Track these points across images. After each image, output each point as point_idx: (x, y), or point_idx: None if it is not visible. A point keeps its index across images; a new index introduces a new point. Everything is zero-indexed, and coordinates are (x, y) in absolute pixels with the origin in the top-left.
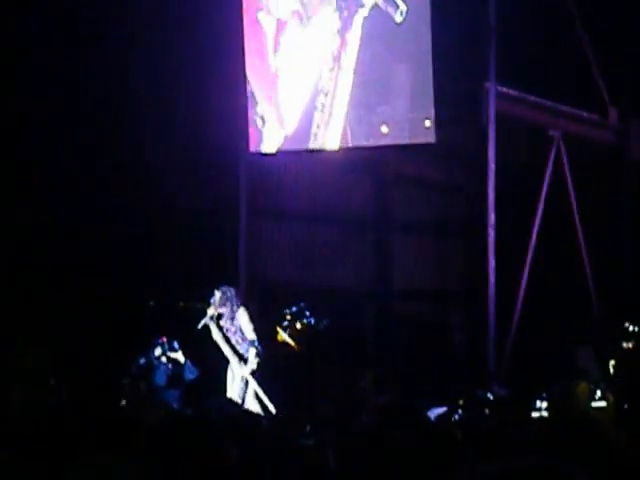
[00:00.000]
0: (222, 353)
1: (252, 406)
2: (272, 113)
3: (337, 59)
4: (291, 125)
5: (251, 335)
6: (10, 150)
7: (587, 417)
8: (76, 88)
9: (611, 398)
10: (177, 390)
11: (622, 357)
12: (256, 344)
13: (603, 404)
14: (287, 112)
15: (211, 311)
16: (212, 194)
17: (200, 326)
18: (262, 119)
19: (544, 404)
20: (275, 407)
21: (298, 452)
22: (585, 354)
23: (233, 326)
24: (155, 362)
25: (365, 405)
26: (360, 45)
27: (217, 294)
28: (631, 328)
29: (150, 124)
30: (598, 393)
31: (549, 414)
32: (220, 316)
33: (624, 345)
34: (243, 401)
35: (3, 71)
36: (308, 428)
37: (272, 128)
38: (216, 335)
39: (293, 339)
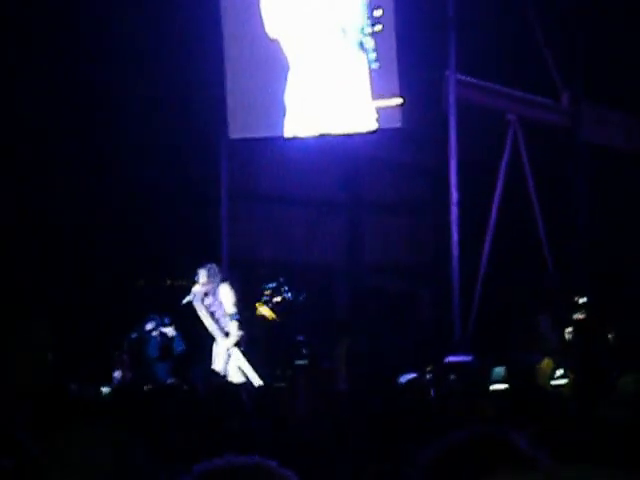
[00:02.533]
0: (206, 328)
1: (235, 377)
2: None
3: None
4: (268, 113)
5: (231, 309)
6: None
7: (546, 391)
8: (58, 73)
9: (571, 377)
10: (167, 362)
11: (573, 328)
12: (236, 317)
13: (563, 382)
14: (267, 100)
15: (196, 288)
16: (195, 178)
17: (184, 302)
18: (242, 105)
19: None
20: (258, 377)
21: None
22: (544, 322)
23: (217, 301)
24: (147, 336)
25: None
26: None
27: (201, 272)
28: (581, 300)
29: (133, 108)
30: (559, 372)
31: (508, 384)
32: (206, 294)
33: (575, 317)
34: (227, 373)
35: None
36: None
37: (251, 115)
38: (200, 312)
39: (272, 312)
